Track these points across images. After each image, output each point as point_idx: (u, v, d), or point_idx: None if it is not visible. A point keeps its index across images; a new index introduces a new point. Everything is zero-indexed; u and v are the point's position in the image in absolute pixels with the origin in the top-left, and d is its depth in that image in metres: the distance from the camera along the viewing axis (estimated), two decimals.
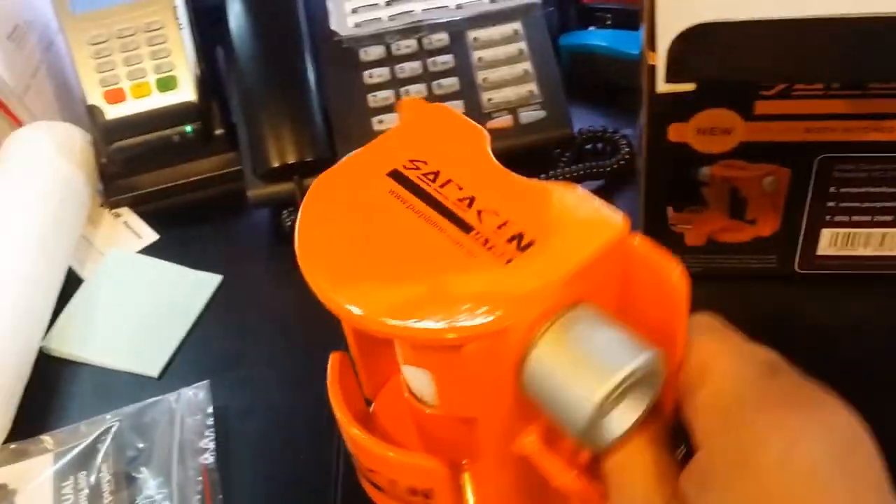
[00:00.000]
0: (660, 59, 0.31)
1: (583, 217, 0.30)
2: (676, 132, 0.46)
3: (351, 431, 0.36)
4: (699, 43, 0.30)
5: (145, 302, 0.56)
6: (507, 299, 0.28)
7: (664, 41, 0.32)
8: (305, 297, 0.55)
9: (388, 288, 0.29)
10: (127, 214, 0.62)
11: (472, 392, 0.30)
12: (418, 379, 0.34)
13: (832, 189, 0.47)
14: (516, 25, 0.60)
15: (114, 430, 0.49)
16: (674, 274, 0.29)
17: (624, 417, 0.28)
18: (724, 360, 0.28)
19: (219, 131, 0.61)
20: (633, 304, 0.30)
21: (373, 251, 0.31)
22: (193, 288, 0.57)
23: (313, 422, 0.50)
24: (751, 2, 0.31)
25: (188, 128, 0.60)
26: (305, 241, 0.32)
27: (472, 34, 0.60)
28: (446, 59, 0.59)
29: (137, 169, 0.61)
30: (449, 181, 0.32)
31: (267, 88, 0.57)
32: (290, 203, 0.58)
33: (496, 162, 0.33)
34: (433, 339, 0.28)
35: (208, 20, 0.63)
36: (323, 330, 0.52)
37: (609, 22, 0.66)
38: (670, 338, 0.29)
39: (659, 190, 0.49)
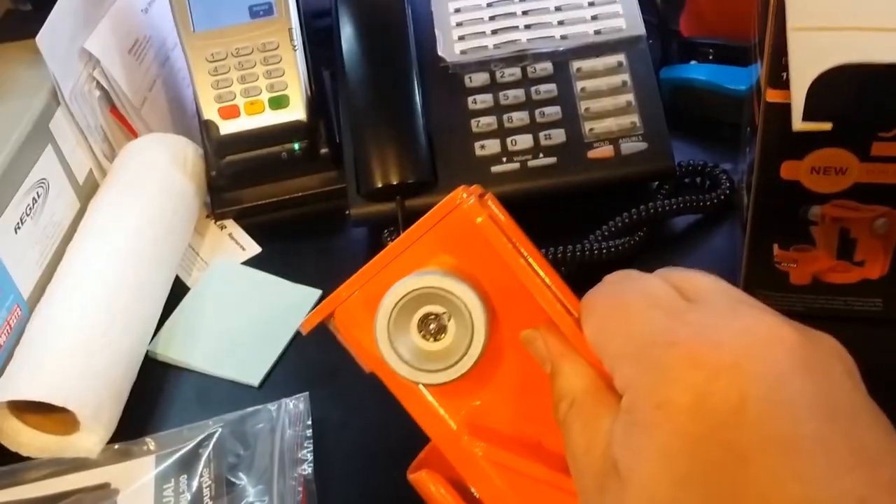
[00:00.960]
0: (796, 98, 0.31)
1: None
2: (789, 170, 0.46)
3: None
4: (839, 84, 0.30)
5: (247, 312, 0.58)
6: None
7: (798, 80, 0.32)
8: None
9: None
10: (232, 227, 0.64)
11: None
12: None
13: None
14: (620, 57, 0.60)
15: (216, 435, 0.50)
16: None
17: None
18: (631, 303, 0.28)
19: (324, 150, 0.63)
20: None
21: None
22: (294, 301, 0.58)
23: (407, 437, 0.51)
24: (885, 45, 0.31)
25: (296, 145, 0.61)
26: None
27: (576, 64, 0.61)
28: (549, 88, 0.60)
29: (244, 183, 0.63)
30: None
31: (375, 111, 0.59)
32: (391, 222, 0.59)
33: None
34: None
35: (316, 42, 0.65)
36: None
37: (711, 57, 0.66)
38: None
39: (766, 226, 0.49)
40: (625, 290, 0.29)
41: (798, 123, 0.31)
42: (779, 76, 0.42)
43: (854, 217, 0.47)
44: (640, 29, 0.61)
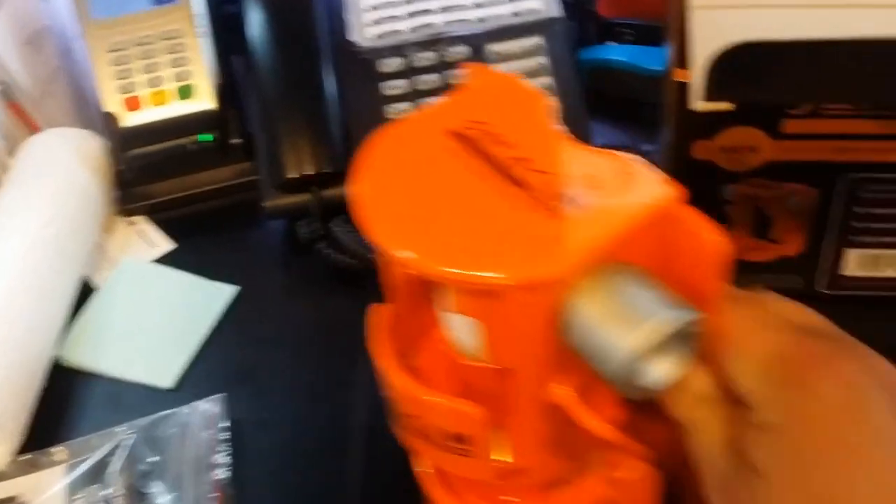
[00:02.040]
0: (695, 77, 0.30)
1: (635, 182, 0.32)
2: (702, 150, 0.45)
3: (395, 378, 0.36)
4: (739, 63, 0.29)
5: (160, 312, 0.56)
6: (558, 252, 0.29)
7: (699, 59, 0.31)
8: (322, 309, 0.56)
9: (446, 236, 0.31)
10: (142, 223, 0.62)
11: (514, 341, 0.32)
12: (462, 330, 0.34)
13: (858, 209, 0.46)
14: (538, 39, 0.59)
15: (127, 442, 0.48)
16: (710, 236, 0.31)
17: (660, 370, 0.29)
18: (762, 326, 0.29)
19: (235, 140, 0.61)
20: (672, 270, 0.31)
21: (431, 203, 0.32)
22: (209, 298, 0.56)
23: (330, 436, 0.50)
24: (787, 22, 0.30)
25: (206, 136, 0.59)
26: (363, 193, 0.32)
27: (493, 47, 0.59)
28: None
29: (153, 177, 0.61)
30: (507, 142, 0.33)
31: (286, 99, 0.57)
32: (306, 214, 0.57)
33: (554, 127, 0.34)
34: (489, 284, 0.29)
35: (225, 29, 0.63)
36: (339, 342, 0.53)
37: (629, 38, 0.66)
38: (707, 302, 0.30)
39: None
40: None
41: (697, 103, 0.30)
42: (685, 55, 0.42)
43: (768, 195, 0.47)
44: (557, 10, 0.60)
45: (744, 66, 0.29)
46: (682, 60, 0.42)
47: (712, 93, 0.29)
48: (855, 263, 0.49)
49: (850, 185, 0.45)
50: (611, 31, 0.66)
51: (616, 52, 0.64)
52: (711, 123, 0.44)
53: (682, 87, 0.43)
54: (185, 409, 0.50)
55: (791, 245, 0.49)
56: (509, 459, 0.37)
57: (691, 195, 0.48)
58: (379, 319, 0.38)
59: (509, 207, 0.31)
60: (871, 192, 0.45)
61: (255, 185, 0.60)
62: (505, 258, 0.29)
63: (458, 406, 0.35)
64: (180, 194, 0.61)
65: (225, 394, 0.50)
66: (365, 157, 0.33)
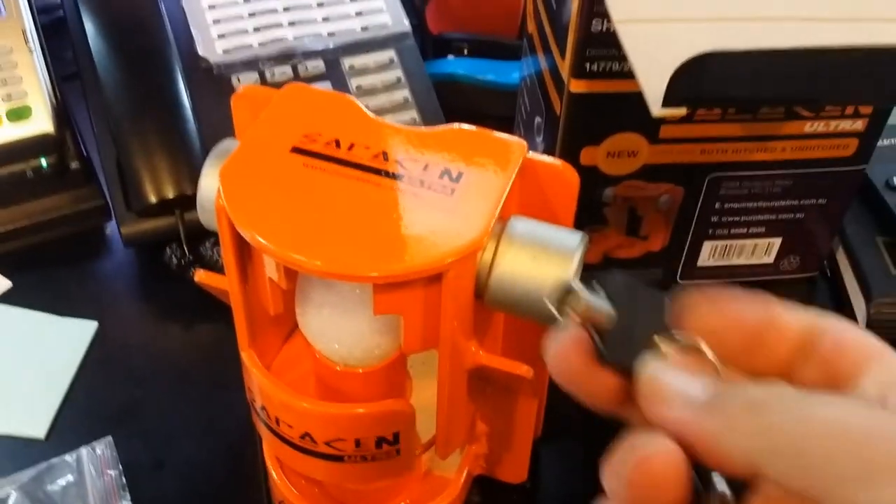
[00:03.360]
0: (649, 87, 0.33)
1: (488, 144, 0.35)
2: (588, 156, 0.48)
3: (302, 405, 0.36)
4: (698, 72, 0.32)
5: (13, 356, 0.50)
6: (471, 221, 0.31)
7: (648, 69, 0.34)
8: (194, 335, 0.53)
9: (358, 240, 0.31)
10: None
11: (440, 322, 0.33)
12: (333, 337, 0.36)
13: (717, 205, 0.51)
14: (390, 53, 0.60)
15: (10, 500, 0.43)
16: (567, 170, 0.35)
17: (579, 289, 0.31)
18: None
19: (74, 165, 0.56)
20: (537, 206, 0.35)
21: (320, 213, 0.32)
22: (67, 337, 0.52)
23: (232, 467, 0.47)
24: (725, 34, 0.34)
25: (44, 161, 0.54)
26: (248, 221, 0.32)
27: (348, 61, 0.60)
28: (324, 87, 0.58)
29: None
30: (353, 144, 0.34)
31: (140, 118, 0.53)
32: (170, 239, 0.54)
33: (380, 119, 0.36)
34: (425, 270, 0.30)
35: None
36: (217, 367, 0.50)
37: (465, 52, 0.68)
38: (569, 221, 0.35)
39: None
40: None
41: (657, 110, 0.33)
42: (583, 67, 0.45)
43: (642, 196, 0.51)
44: (405, 26, 0.61)
45: (703, 74, 0.32)
46: (580, 72, 0.45)
47: (672, 100, 0.32)
48: (708, 254, 0.54)
49: (710, 184, 0.50)
50: (446, 46, 0.68)
51: (457, 66, 0.66)
52: (601, 130, 0.47)
53: (579, 97, 0.46)
54: (69, 458, 0.45)
55: (657, 240, 0.53)
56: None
57: None
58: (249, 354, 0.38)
59: (398, 198, 0.32)
60: (728, 188, 0.51)
61: (96, 211, 0.56)
62: (428, 243, 0.31)
63: (389, 406, 0.36)
64: (13, 226, 0.55)
65: (110, 436, 0.47)
66: (228, 193, 0.32)
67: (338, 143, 0.34)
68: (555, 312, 0.31)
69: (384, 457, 0.37)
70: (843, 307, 0.55)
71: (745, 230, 0.53)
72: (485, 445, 0.45)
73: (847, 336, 0.25)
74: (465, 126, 0.36)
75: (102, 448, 0.46)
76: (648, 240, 0.53)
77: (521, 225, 0.33)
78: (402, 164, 0.34)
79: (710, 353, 0.25)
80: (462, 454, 0.44)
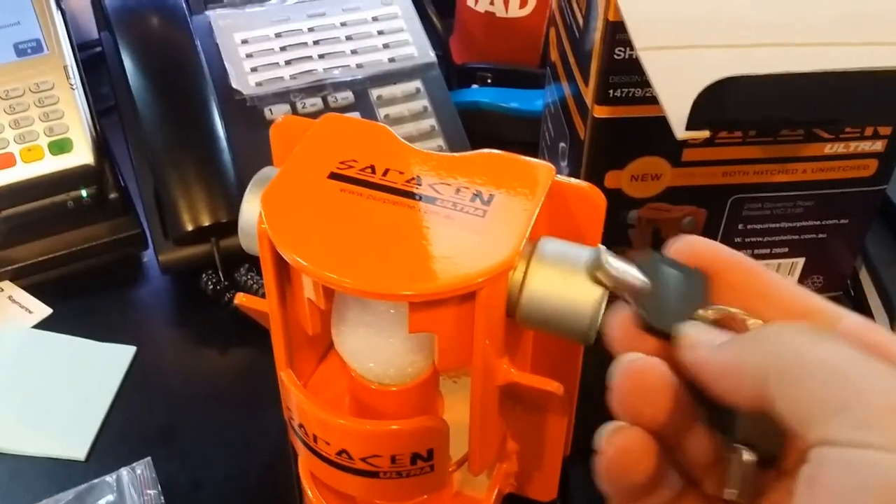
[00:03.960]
0: (672, 111, 0.34)
1: (517, 168, 0.36)
2: (612, 179, 0.49)
3: (340, 422, 0.37)
4: (717, 96, 0.33)
5: (54, 380, 0.52)
6: (502, 241, 0.33)
7: (671, 94, 0.35)
8: (231, 359, 0.55)
9: (394, 261, 0.32)
10: (10, 289, 0.57)
11: (473, 340, 0.34)
12: (368, 356, 0.37)
13: (740, 226, 0.52)
14: (417, 83, 0.62)
15: None
16: (594, 192, 0.37)
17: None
18: None
19: (113, 195, 0.58)
20: (564, 227, 0.36)
21: (357, 235, 0.33)
22: (107, 361, 0.53)
23: (268, 485, 0.48)
24: (743, 60, 0.35)
25: (84, 192, 0.56)
26: (289, 243, 0.33)
27: (376, 92, 0.61)
28: (353, 116, 0.60)
29: (21, 238, 0.57)
30: (387, 170, 0.36)
31: (177, 149, 0.55)
32: (205, 266, 0.56)
33: (414, 147, 0.37)
34: (459, 289, 0.32)
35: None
36: (252, 389, 0.52)
37: (489, 81, 0.70)
38: (596, 241, 0.35)
39: None
40: None
41: (681, 133, 0.34)
42: (606, 94, 0.46)
43: (666, 217, 0.52)
44: (430, 56, 0.63)
45: (725, 98, 0.33)
46: (603, 98, 0.46)
47: (695, 123, 0.33)
48: None
49: (733, 205, 0.51)
50: (471, 76, 0.70)
51: (482, 95, 0.68)
52: (625, 154, 0.48)
53: (602, 122, 0.47)
54: (109, 478, 0.47)
55: None
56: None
57: None
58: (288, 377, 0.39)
59: (433, 221, 0.34)
60: (751, 209, 0.52)
61: (133, 240, 0.58)
62: (460, 264, 0.32)
63: (423, 423, 0.37)
64: (54, 255, 0.57)
65: (149, 458, 0.48)
66: (271, 219, 0.34)
67: (373, 169, 0.36)
68: (583, 333, 0.32)
69: (418, 473, 0.38)
70: None
71: (768, 251, 0.54)
72: (515, 464, 0.46)
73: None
74: (495, 151, 0.37)
75: (142, 469, 0.47)
76: None
77: (550, 245, 0.34)
78: (435, 187, 0.35)
79: (746, 317, 0.27)
80: (492, 473, 0.44)
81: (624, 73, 0.45)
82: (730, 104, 0.34)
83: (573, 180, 0.37)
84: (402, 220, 0.34)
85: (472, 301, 0.33)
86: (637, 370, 0.27)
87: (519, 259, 0.33)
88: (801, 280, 0.56)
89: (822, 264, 0.55)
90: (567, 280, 0.33)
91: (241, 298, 0.40)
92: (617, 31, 0.43)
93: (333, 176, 0.36)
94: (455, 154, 0.37)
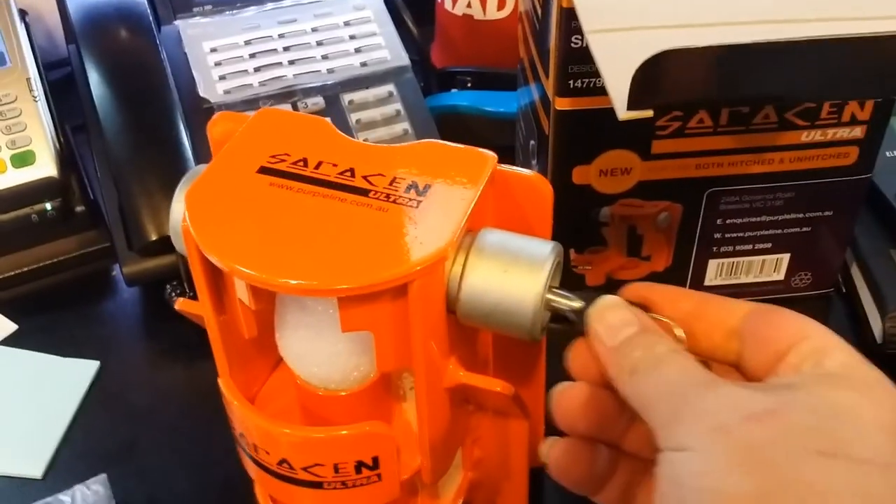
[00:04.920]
0: (615, 93, 0.32)
1: (457, 157, 0.34)
2: (580, 175, 0.48)
3: (276, 429, 0.35)
4: (658, 71, 0.31)
5: (14, 398, 0.51)
6: (436, 232, 0.31)
7: (614, 74, 0.33)
8: (196, 373, 0.53)
9: (322, 256, 0.31)
10: None
11: (411, 338, 0.32)
12: (317, 362, 0.35)
13: (719, 221, 0.50)
14: (390, 87, 0.61)
15: None
16: (540, 181, 0.34)
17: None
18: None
19: (79, 208, 0.57)
20: (511, 218, 0.35)
21: (285, 231, 0.32)
22: (69, 377, 0.52)
23: (225, 501, 0.47)
24: (686, 36, 0.33)
25: (48, 205, 0.55)
26: (213, 242, 0.31)
27: (347, 97, 0.60)
28: (312, 116, 0.58)
29: None
30: (320, 163, 0.34)
31: (140, 159, 0.54)
32: (171, 277, 0.54)
33: (351, 139, 0.36)
34: (389, 282, 0.30)
35: (52, 95, 0.59)
36: (217, 404, 0.50)
37: (469, 84, 0.68)
38: (545, 234, 0.35)
39: (563, 233, 0.50)
40: None
41: (623, 113, 0.32)
42: (566, 85, 0.44)
43: (640, 214, 0.50)
44: (404, 60, 0.61)
45: (663, 74, 0.31)
46: (564, 90, 0.44)
47: (637, 103, 0.31)
48: (714, 272, 0.53)
49: (709, 199, 0.49)
50: (451, 80, 0.68)
51: (461, 98, 0.66)
52: (591, 148, 0.47)
53: (564, 115, 0.45)
54: (63, 497, 0.45)
55: (660, 260, 0.52)
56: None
57: (570, 219, 0.50)
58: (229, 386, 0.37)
59: (365, 213, 0.32)
60: (728, 203, 0.49)
61: (102, 253, 0.57)
62: (392, 256, 0.30)
63: (366, 429, 0.35)
64: (19, 270, 0.56)
65: (104, 475, 0.46)
66: (194, 218, 0.32)
67: (305, 162, 0.34)
68: (525, 328, 0.31)
69: (365, 482, 0.36)
70: (858, 323, 0.53)
71: (750, 246, 0.52)
72: (481, 473, 0.43)
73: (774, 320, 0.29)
74: (437, 141, 0.36)
75: (97, 486, 0.45)
76: (651, 260, 0.52)
77: (492, 236, 0.32)
78: (369, 179, 0.33)
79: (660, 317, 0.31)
80: (458, 483, 0.42)
81: (583, 63, 0.43)
82: (668, 80, 0.32)
83: (518, 169, 0.35)
84: (333, 214, 0.32)
85: (406, 296, 0.31)
86: (565, 396, 0.34)
87: (456, 250, 0.32)
88: (789, 277, 0.53)
89: (809, 260, 0.53)
90: (508, 273, 0.31)
91: (181, 304, 0.39)
92: (572, 19, 0.41)
93: (263, 170, 0.34)
94: (395, 145, 0.36)
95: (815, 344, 0.28)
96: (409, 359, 0.33)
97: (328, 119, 0.57)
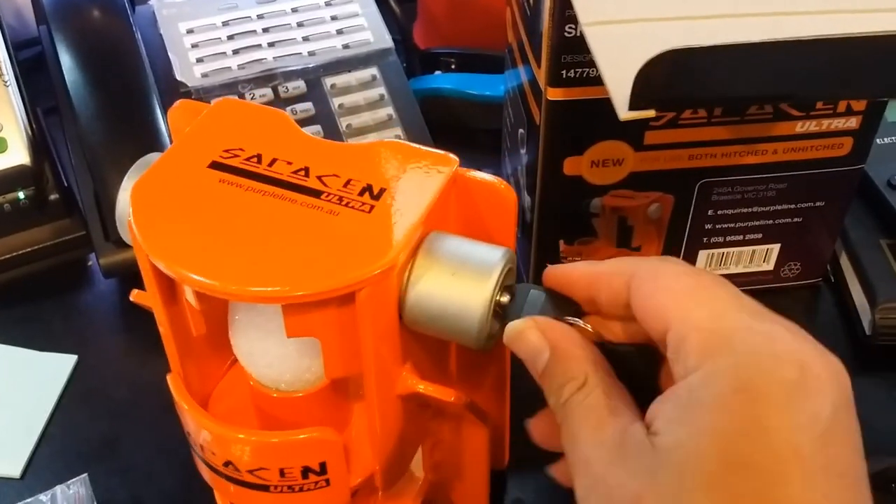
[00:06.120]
0: (616, 89, 0.31)
1: (417, 160, 0.33)
2: (571, 166, 0.47)
3: (218, 430, 0.34)
4: (665, 71, 0.30)
5: None
6: (387, 239, 0.30)
7: (614, 72, 0.32)
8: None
9: (266, 260, 0.30)
10: None
11: (361, 345, 0.31)
12: (268, 362, 0.34)
13: (710, 212, 0.50)
14: (373, 70, 0.59)
15: None
16: (503, 187, 0.33)
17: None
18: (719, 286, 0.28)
19: (53, 196, 0.55)
20: (470, 223, 0.34)
21: (231, 232, 0.31)
22: (45, 372, 0.50)
23: (211, 500, 0.46)
24: (689, 32, 0.32)
25: (21, 194, 0.53)
26: (155, 240, 0.31)
27: (329, 80, 0.58)
28: (306, 107, 0.57)
29: None
30: (275, 160, 0.33)
31: (115, 146, 0.52)
32: None
33: (309, 135, 0.35)
34: (334, 291, 0.29)
35: (21, 76, 0.57)
36: None
37: (453, 66, 0.67)
38: (507, 242, 0.33)
39: (552, 224, 0.49)
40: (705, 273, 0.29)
41: (624, 112, 0.31)
42: (559, 74, 0.43)
43: (631, 205, 0.49)
44: (387, 42, 0.60)
45: (669, 73, 0.30)
46: (556, 80, 0.43)
47: (639, 103, 0.30)
48: (703, 263, 0.52)
49: (701, 190, 0.48)
50: (434, 61, 0.67)
51: (445, 81, 0.65)
52: (583, 139, 0.45)
53: (557, 105, 0.44)
54: (42, 497, 0.44)
55: (650, 251, 0.51)
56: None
57: (561, 210, 0.50)
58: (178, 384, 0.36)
59: (316, 215, 0.31)
60: (720, 194, 0.49)
61: (77, 242, 0.55)
62: (340, 263, 0.29)
63: (312, 434, 0.34)
64: None
65: (85, 474, 0.45)
66: (138, 211, 0.31)
67: (259, 159, 0.33)
68: (474, 335, 0.30)
69: (313, 487, 0.35)
70: (848, 313, 0.53)
71: (741, 237, 0.51)
72: (441, 475, 0.43)
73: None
74: (397, 141, 0.35)
75: (78, 486, 0.44)
76: (641, 251, 0.51)
77: (441, 241, 0.31)
78: (323, 180, 0.32)
79: (581, 323, 0.31)
80: (418, 485, 0.41)
81: (576, 52, 0.42)
82: (674, 80, 0.31)
83: (480, 174, 0.34)
84: (282, 216, 0.31)
85: (353, 304, 0.30)
86: (538, 425, 0.34)
87: (405, 258, 0.30)
88: (778, 267, 0.53)
89: (798, 250, 0.52)
90: (455, 277, 0.31)
91: (135, 295, 0.37)
92: (566, 8, 0.40)
93: (214, 165, 0.33)
94: (354, 144, 0.35)
95: (676, 337, 0.27)
96: (359, 366, 0.32)
97: (309, 104, 0.57)
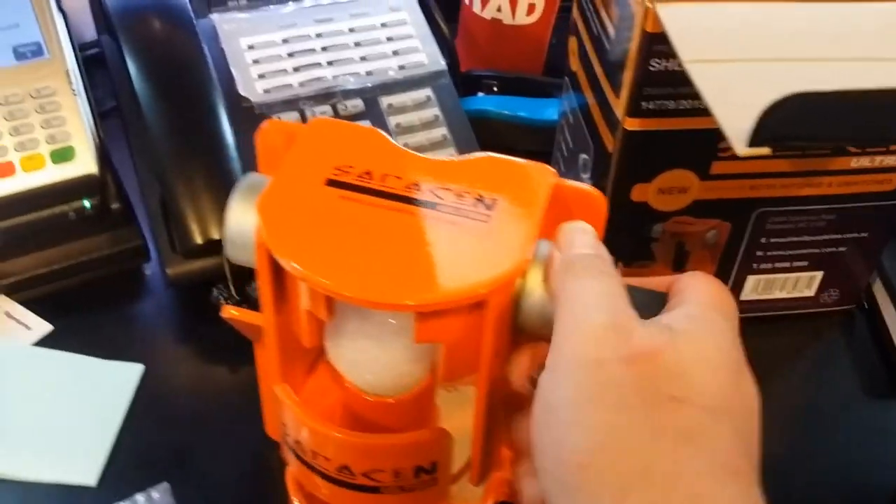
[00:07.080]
0: (731, 127, 0.33)
1: (517, 171, 0.35)
2: (639, 192, 0.49)
3: (342, 437, 0.36)
4: (787, 112, 0.33)
5: (60, 402, 0.50)
6: (510, 247, 0.32)
7: (726, 109, 0.34)
8: (241, 375, 0.53)
9: (398, 270, 0.31)
10: (6, 303, 0.54)
11: (480, 349, 0.33)
12: (366, 368, 0.36)
13: (763, 239, 0.52)
14: (427, 91, 0.61)
15: None
16: (596, 195, 0.36)
17: None
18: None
19: (115, 205, 0.56)
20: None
21: (360, 244, 0.32)
22: (114, 380, 0.51)
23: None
24: (807, 74, 0.35)
25: (87, 202, 0.54)
26: (291, 254, 0.32)
27: (386, 100, 0.60)
28: (364, 125, 0.58)
29: (19, 250, 0.54)
30: (385, 175, 0.35)
31: (187, 158, 0.53)
32: (213, 279, 0.54)
33: (409, 151, 0.37)
34: (469, 298, 0.31)
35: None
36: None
37: (495, 89, 0.69)
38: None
39: (615, 246, 0.51)
40: None
41: (742, 149, 0.33)
42: (638, 106, 0.45)
43: (690, 231, 0.51)
44: (441, 64, 0.62)
45: (794, 115, 0.33)
46: (635, 110, 0.45)
47: (758, 140, 0.32)
48: (751, 288, 0.55)
49: (757, 219, 0.51)
50: (477, 84, 0.69)
51: (489, 103, 0.67)
52: (653, 167, 0.48)
53: (633, 135, 0.46)
54: None
55: None
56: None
57: (623, 233, 0.52)
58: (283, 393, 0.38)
59: (437, 227, 0.33)
60: (774, 223, 0.51)
61: (136, 252, 0.56)
62: (470, 270, 0.31)
63: (426, 435, 0.36)
64: (52, 268, 0.55)
65: (166, 483, 0.46)
66: (269, 230, 0.33)
67: (370, 175, 0.35)
68: None
69: (421, 486, 0.37)
70: (881, 338, 0.55)
71: (788, 264, 0.54)
72: (509, 471, 0.44)
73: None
74: (492, 154, 0.37)
75: (159, 494, 0.45)
76: None
77: (549, 248, 0.33)
78: (436, 193, 0.34)
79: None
80: (487, 482, 0.43)
81: (658, 86, 0.44)
82: (796, 121, 0.33)
83: (575, 183, 0.36)
84: (406, 228, 0.33)
85: (480, 310, 0.32)
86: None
87: (530, 264, 0.32)
88: (818, 293, 0.56)
89: (838, 278, 0.55)
90: None
91: (228, 312, 0.39)
92: (654, 43, 0.42)
93: (331, 183, 0.34)
94: (452, 158, 0.37)
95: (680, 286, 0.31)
96: (473, 369, 0.34)
97: (367, 123, 0.59)
